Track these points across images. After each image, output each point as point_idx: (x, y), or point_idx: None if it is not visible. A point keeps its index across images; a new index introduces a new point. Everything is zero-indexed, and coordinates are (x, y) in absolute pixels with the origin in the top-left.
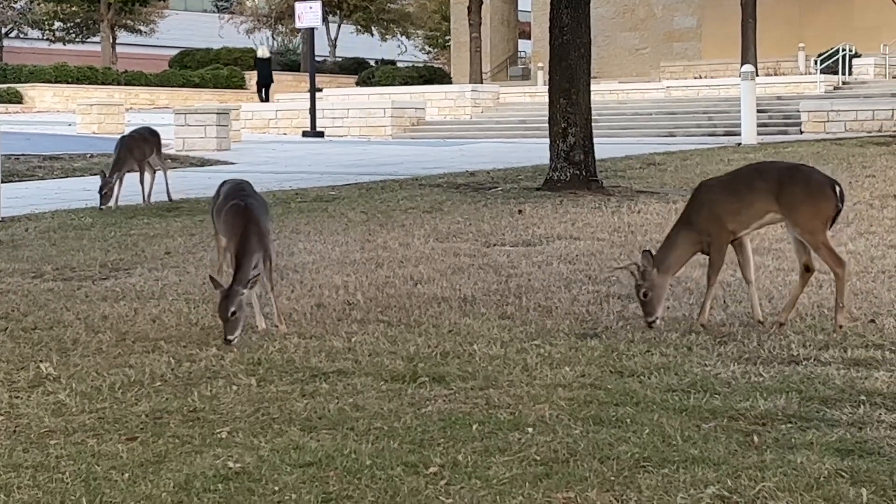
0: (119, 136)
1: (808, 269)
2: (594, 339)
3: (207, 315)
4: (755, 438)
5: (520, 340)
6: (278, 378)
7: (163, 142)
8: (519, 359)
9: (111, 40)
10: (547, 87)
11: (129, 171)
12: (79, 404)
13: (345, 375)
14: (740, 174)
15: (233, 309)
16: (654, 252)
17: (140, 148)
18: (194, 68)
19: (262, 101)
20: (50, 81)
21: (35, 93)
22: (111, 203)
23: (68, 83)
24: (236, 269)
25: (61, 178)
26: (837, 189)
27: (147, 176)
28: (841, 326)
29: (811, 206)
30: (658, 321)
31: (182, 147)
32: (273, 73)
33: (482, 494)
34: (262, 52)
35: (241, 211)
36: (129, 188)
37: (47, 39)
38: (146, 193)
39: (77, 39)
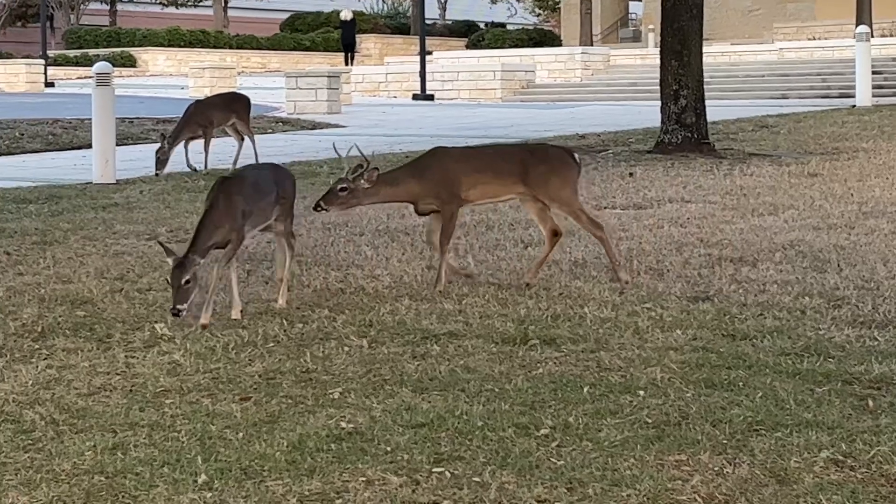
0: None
1: (555, 234)
2: (706, 303)
3: (319, 277)
4: (870, 403)
5: (631, 303)
6: (389, 340)
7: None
8: (630, 322)
9: (223, 4)
10: (658, 49)
11: (192, 138)
12: (193, 364)
13: (456, 337)
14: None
15: (186, 277)
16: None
17: (205, 114)
18: (305, 32)
19: (347, 64)
20: (163, 45)
21: (148, 56)
22: (165, 170)
23: (181, 47)
24: (193, 238)
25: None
26: (577, 157)
27: (236, 142)
28: (627, 282)
29: (559, 178)
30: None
31: (293, 110)
32: (356, 35)
33: (593, 456)
34: (345, 15)
35: (218, 184)
36: (245, 152)
37: (160, 3)
38: (206, 160)
39: (189, 3)
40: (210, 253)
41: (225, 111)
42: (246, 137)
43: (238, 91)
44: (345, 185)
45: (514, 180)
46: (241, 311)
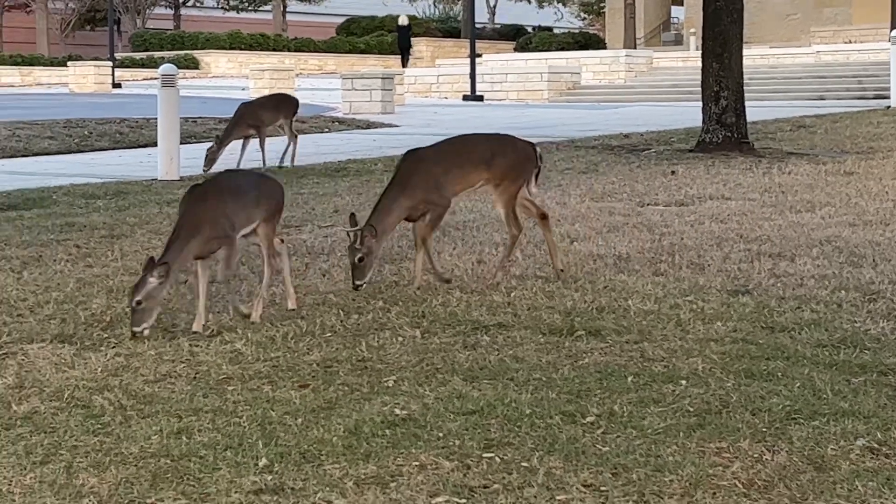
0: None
1: (543, 217)
2: (745, 296)
3: (374, 270)
4: None
5: (673, 296)
6: (441, 330)
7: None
8: (672, 314)
9: (282, 8)
10: (699, 51)
11: (242, 138)
12: (254, 353)
13: (505, 328)
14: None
15: (138, 298)
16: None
17: (254, 115)
18: (360, 35)
19: (402, 66)
20: (224, 48)
21: (210, 59)
22: (212, 168)
23: (241, 49)
24: (163, 251)
25: (236, 140)
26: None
27: (289, 141)
28: (494, 284)
29: (515, 171)
30: (365, 286)
31: (349, 110)
32: (412, 38)
33: (637, 443)
34: (402, 20)
35: (190, 193)
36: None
37: (222, 8)
38: (263, 158)
39: (250, 8)
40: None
41: (273, 112)
42: (297, 136)
43: (286, 92)
44: (361, 255)
45: (483, 166)
46: (204, 326)
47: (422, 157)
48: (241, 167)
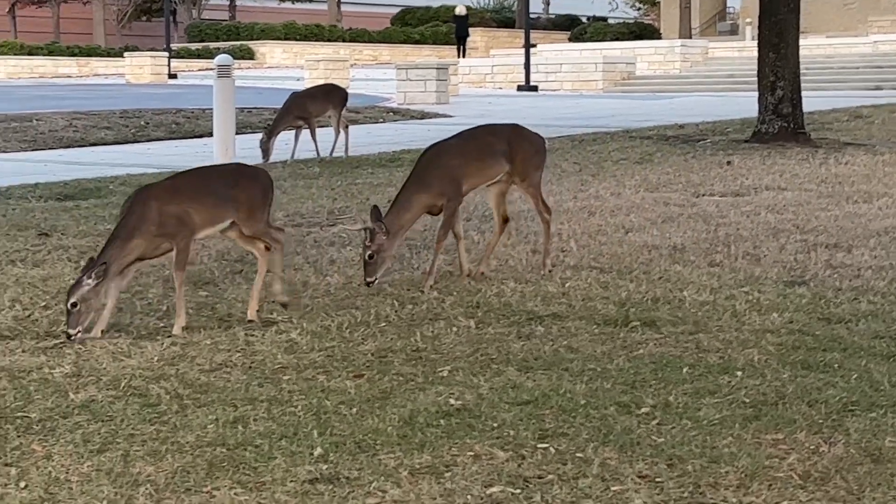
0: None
1: (506, 220)
2: (802, 287)
3: (427, 260)
4: None
5: (729, 287)
6: (496, 320)
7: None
8: (728, 305)
9: None
10: (755, 41)
11: (293, 128)
12: (309, 343)
13: (559, 319)
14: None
15: (73, 300)
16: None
17: (302, 106)
18: (415, 25)
19: (459, 56)
20: (280, 38)
21: (266, 49)
22: (269, 159)
23: (296, 40)
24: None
25: (290, 130)
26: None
27: (335, 132)
28: (550, 269)
29: (537, 159)
30: (375, 282)
31: (403, 101)
32: (472, 29)
33: (693, 434)
34: (460, 10)
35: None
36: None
37: None
38: (316, 148)
39: None
40: (130, 268)
41: (322, 102)
42: (341, 129)
43: (335, 83)
44: (371, 252)
45: (505, 159)
46: (185, 328)
47: (440, 150)
48: (295, 158)
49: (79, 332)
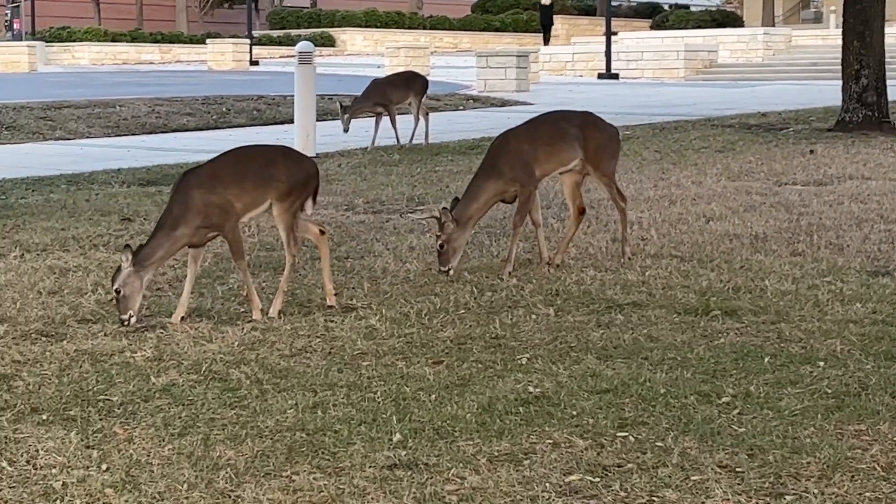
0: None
1: (581, 212)
2: (885, 277)
3: (505, 248)
4: None
5: (811, 277)
6: (575, 308)
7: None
8: (810, 294)
9: None
10: (839, 29)
11: (371, 115)
12: (388, 329)
13: (639, 307)
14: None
15: (116, 286)
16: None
17: (381, 93)
18: (495, 13)
19: (544, 44)
20: (360, 26)
21: (346, 36)
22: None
23: (377, 27)
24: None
25: (370, 117)
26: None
27: (415, 120)
28: (630, 258)
29: (611, 147)
30: (451, 271)
31: (483, 88)
32: (554, 16)
33: (774, 424)
34: None
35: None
36: (438, 128)
37: None
38: (396, 135)
39: None
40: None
41: (403, 90)
42: (421, 116)
43: (415, 71)
44: (442, 242)
45: (578, 144)
46: (182, 318)
47: (509, 137)
48: (376, 145)
49: (130, 315)
